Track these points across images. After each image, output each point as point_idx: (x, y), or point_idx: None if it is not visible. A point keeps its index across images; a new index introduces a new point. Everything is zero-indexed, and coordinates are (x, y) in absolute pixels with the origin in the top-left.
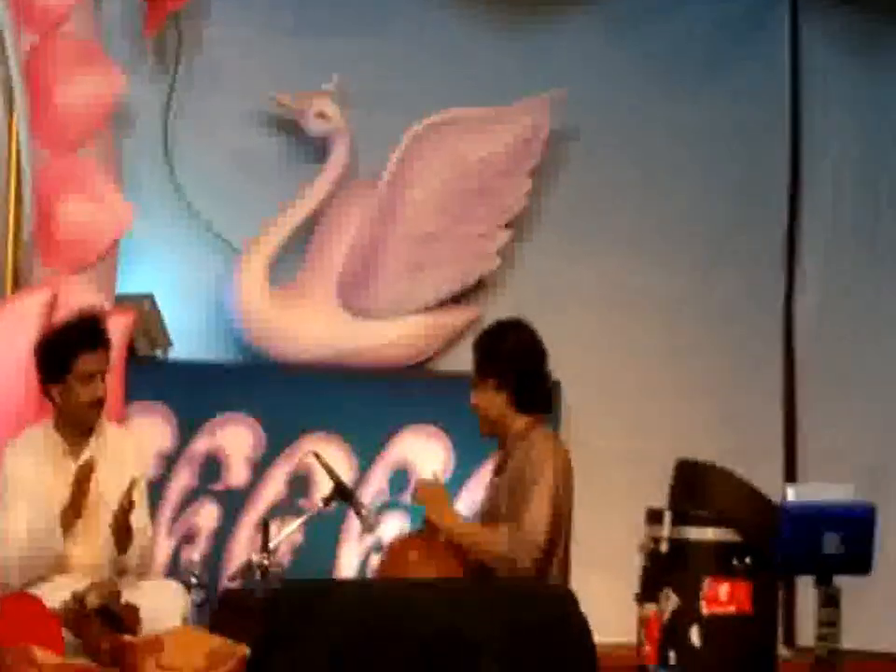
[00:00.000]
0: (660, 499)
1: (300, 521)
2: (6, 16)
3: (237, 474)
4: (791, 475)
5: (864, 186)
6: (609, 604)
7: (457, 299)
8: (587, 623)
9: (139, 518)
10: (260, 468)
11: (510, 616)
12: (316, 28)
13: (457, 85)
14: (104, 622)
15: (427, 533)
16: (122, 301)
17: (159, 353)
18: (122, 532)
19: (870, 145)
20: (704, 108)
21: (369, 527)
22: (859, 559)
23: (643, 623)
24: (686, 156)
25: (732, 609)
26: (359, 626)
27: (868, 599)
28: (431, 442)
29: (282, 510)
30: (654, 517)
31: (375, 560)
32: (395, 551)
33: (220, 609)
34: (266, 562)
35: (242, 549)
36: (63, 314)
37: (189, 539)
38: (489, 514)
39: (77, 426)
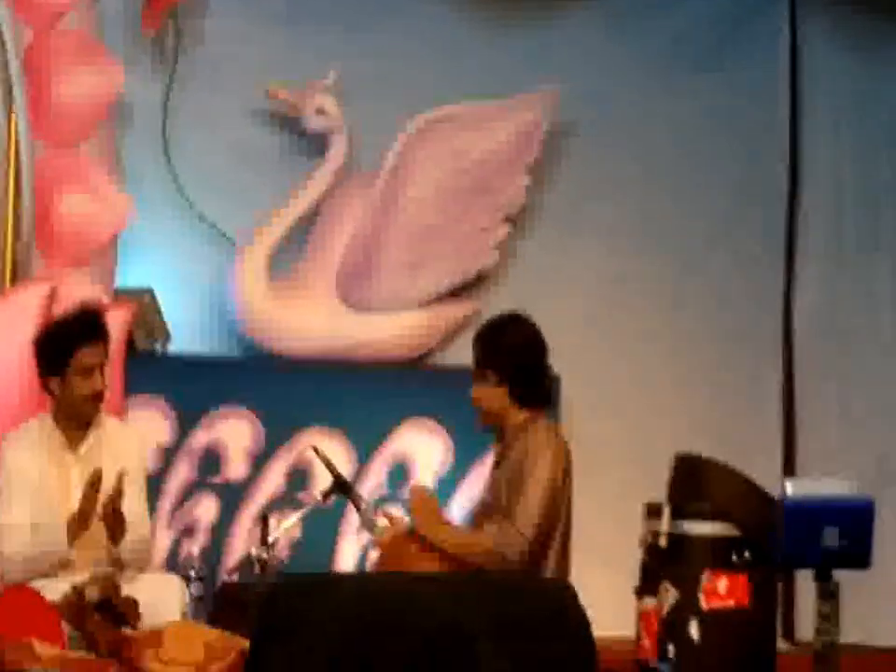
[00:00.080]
0: (659, 494)
1: (299, 515)
2: (5, 10)
3: (236, 468)
4: (789, 469)
5: (863, 182)
6: (608, 598)
7: (456, 293)
8: (586, 617)
9: (132, 509)
10: (259, 461)
11: (510, 610)
12: (316, 23)
13: (457, 79)
14: (103, 615)
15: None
16: (121, 295)
17: (158, 346)
18: (112, 521)
19: (869, 141)
20: (703, 104)
21: (368, 523)
22: (858, 553)
23: (642, 616)
24: (685, 151)
25: (731, 603)
26: (359, 621)
27: (867, 593)
28: (430, 436)
29: (281, 503)
30: (653, 511)
31: (374, 554)
32: (394, 545)
33: (219, 602)
34: (265, 556)
35: (241, 543)
36: (62, 307)
37: (188, 532)
38: (490, 507)
39: (75, 419)
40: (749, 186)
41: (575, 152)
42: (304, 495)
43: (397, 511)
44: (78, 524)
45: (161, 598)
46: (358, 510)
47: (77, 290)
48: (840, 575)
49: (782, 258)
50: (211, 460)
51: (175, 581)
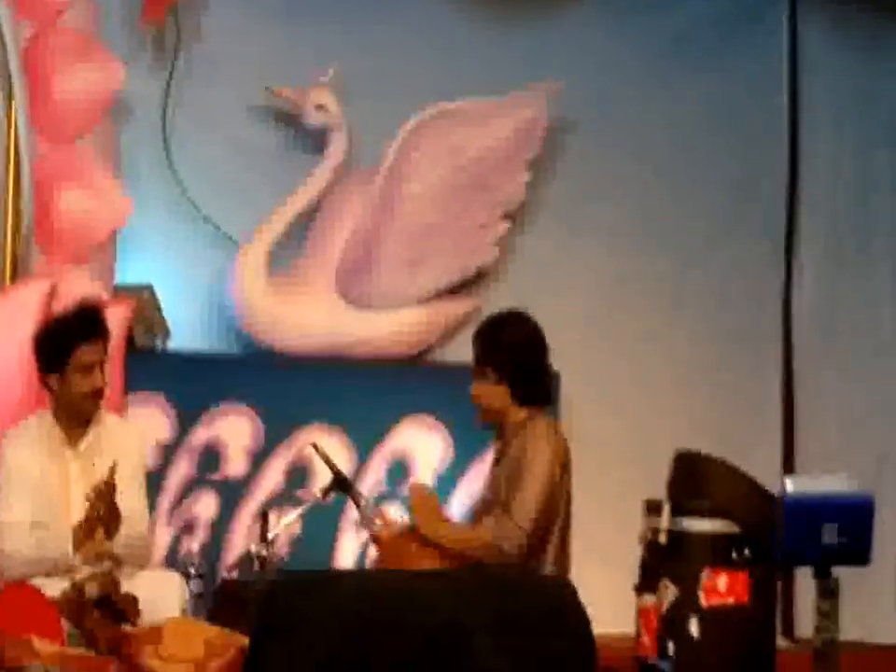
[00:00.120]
0: (658, 492)
1: (298, 512)
2: (4, 6)
3: (236, 465)
4: (789, 469)
5: (862, 180)
6: (608, 595)
7: (456, 290)
8: (586, 614)
9: (131, 506)
10: (259, 458)
11: (510, 607)
12: (316, 20)
13: (456, 77)
14: (103, 612)
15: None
16: (121, 292)
17: (157, 343)
18: (104, 514)
19: (869, 139)
20: (702, 101)
21: (367, 520)
22: (857, 550)
23: (641, 614)
24: (684, 148)
25: (730, 600)
26: (358, 618)
27: (867, 591)
28: (430, 433)
29: (281, 500)
30: (653, 508)
31: (374, 551)
32: (393, 543)
33: (219, 599)
34: (265, 553)
35: (241, 539)
36: (61, 304)
37: (187, 529)
38: (490, 504)
39: (75, 416)
40: (749, 185)
41: (575, 150)
42: (304, 492)
43: (395, 508)
44: (84, 532)
45: (160, 595)
46: (358, 507)
47: (77, 287)
48: (840, 572)
49: (782, 257)
50: (211, 457)
51: (174, 577)
